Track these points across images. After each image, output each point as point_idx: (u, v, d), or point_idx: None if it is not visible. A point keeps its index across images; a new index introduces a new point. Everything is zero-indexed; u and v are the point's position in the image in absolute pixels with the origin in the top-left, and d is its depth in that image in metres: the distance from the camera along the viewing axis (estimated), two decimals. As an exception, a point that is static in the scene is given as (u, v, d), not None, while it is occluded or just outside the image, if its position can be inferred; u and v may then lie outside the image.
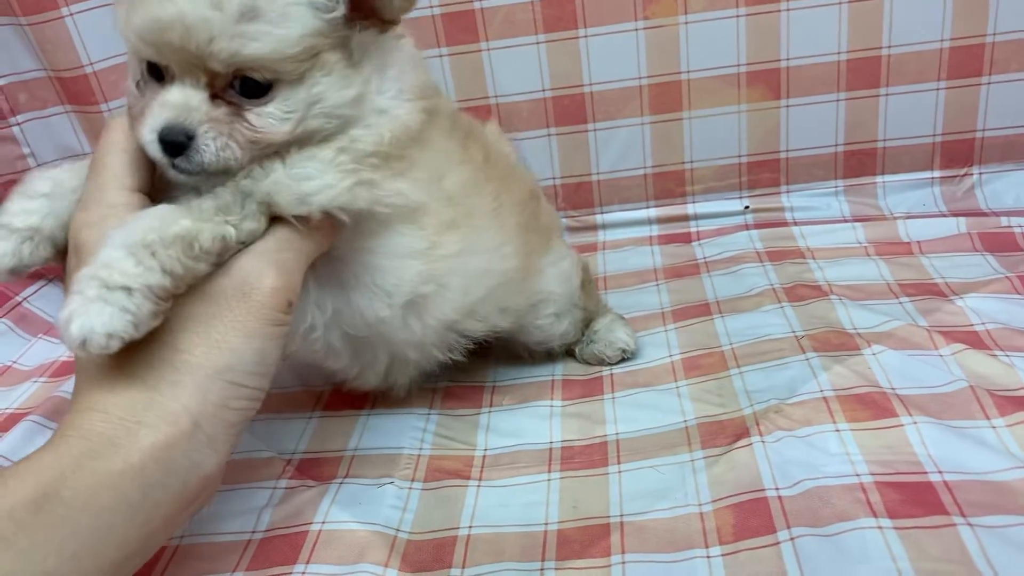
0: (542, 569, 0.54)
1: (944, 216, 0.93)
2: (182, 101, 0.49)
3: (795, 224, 0.95)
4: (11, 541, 0.41)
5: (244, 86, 0.50)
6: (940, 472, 0.55)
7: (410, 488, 0.62)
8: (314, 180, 0.51)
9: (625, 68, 0.94)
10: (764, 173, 0.99)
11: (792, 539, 0.52)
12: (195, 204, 0.49)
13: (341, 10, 0.51)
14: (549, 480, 0.62)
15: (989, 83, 0.93)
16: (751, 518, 0.54)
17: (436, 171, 0.60)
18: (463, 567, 0.55)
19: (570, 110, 0.95)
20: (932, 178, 0.97)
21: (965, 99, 0.93)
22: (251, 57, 0.48)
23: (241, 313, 0.49)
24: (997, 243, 0.86)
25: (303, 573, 0.54)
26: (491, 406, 0.71)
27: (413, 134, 0.56)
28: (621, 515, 0.57)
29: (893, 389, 0.63)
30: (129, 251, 0.46)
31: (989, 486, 0.53)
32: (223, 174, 0.51)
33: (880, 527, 0.51)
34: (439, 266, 0.60)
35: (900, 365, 0.65)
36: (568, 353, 0.77)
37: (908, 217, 0.94)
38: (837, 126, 0.95)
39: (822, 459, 0.57)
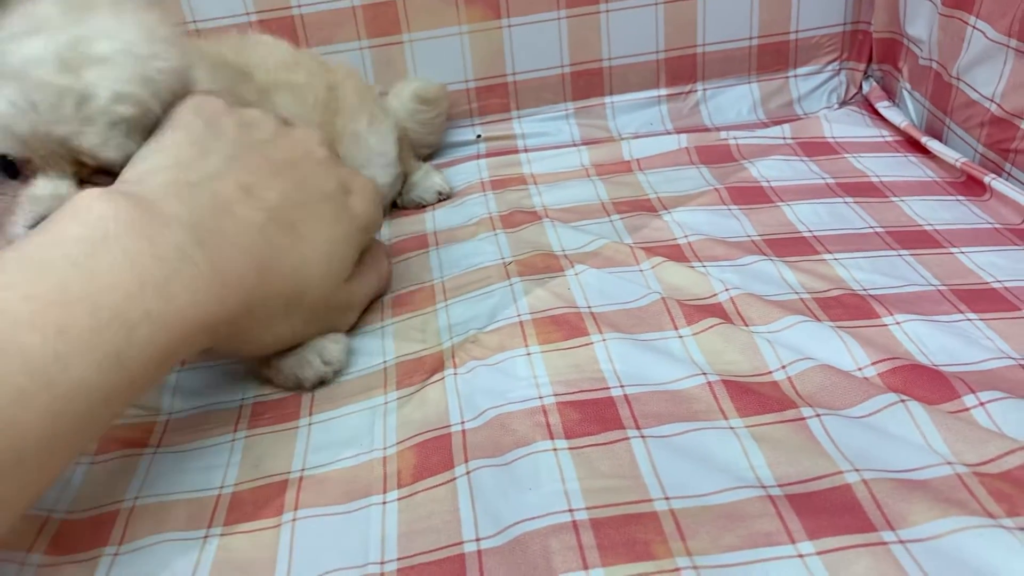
0: (206, 536, 0.48)
1: (669, 134, 0.93)
2: (52, 192, 0.50)
3: (525, 151, 0.93)
4: None
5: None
6: (622, 387, 0.53)
7: (76, 463, 0.55)
8: None
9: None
10: (493, 99, 0.96)
11: (468, 473, 0.49)
12: None
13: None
14: (234, 440, 0.56)
15: (705, -3, 0.93)
16: (433, 456, 0.51)
17: None
18: (120, 543, 0.49)
19: (279, 34, 0.88)
20: (659, 96, 0.98)
21: (683, 14, 0.94)
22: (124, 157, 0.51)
23: None
24: (713, 155, 0.86)
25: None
26: (181, 365, 0.64)
27: None
28: (303, 469, 0.53)
29: (589, 308, 0.61)
30: None
31: (666, 396, 0.52)
32: None
33: (555, 449, 0.49)
34: None
35: (598, 283, 0.64)
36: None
37: (635, 137, 0.93)
38: (561, 45, 0.93)
39: (509, 385, 0.55)
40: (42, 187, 0.51)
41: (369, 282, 0.65)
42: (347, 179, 0.61)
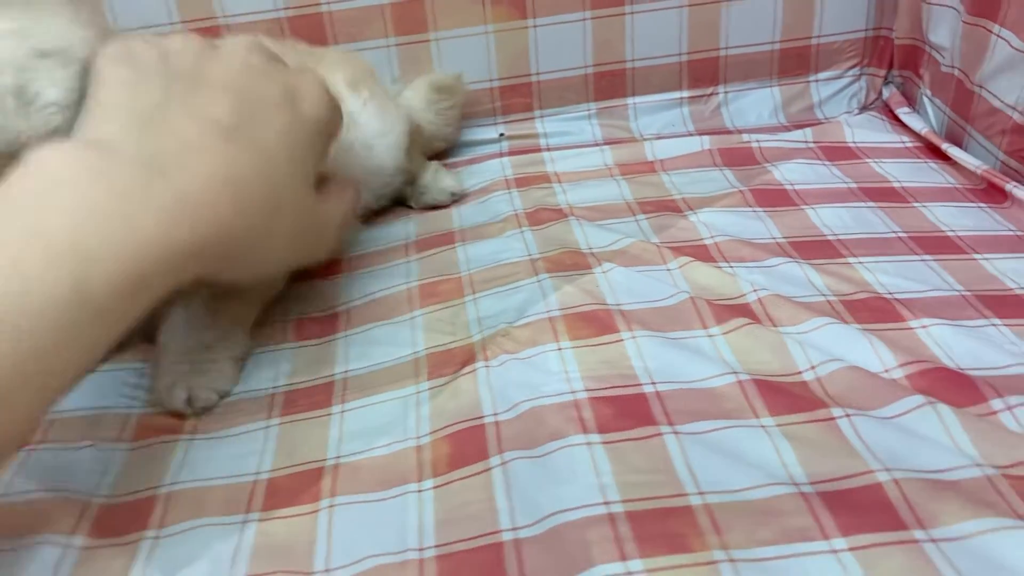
0: (244, 521, 0.49)
1: (691, 135, 0.94)
2: None
3: (548, 150, 0.93)
4: None
5: None
6: (653, 383, 0.54)
7: (113, 449, 0.56)
8: None
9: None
10: (516, 98, 0.96)
11: (503, 464, 0.50)
12: None
13: None
14: (268, 427, 0.57)
15: (729, 0, 0.94)
16: (467, 446, 0.52)
17: None
18: (160, 527, 0.50)
19: (304, 32, 0.89)
20: (681, 98, 0.98)
21: (707, 17, 0.94)
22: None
23: None
24: (736, 158, 0.87)
25: (-37, 556, 0.48)
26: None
27: None
28: (338, 457, 0.53)
29: (618, 305, 0.62)
30: None
31: (697, 393, 0.53)
32: None
33: (589, 443, 0.50)
34: None
35: (627, 281, 0.65)
36: (401, 203, 0.86)
37: (657, 138, 0.94)
38: (585, 46, 0.94)
39: (542, 379, 0.56)
40: None
41: (338, 203, 0.63)
42: (292, 84, 0.58)
